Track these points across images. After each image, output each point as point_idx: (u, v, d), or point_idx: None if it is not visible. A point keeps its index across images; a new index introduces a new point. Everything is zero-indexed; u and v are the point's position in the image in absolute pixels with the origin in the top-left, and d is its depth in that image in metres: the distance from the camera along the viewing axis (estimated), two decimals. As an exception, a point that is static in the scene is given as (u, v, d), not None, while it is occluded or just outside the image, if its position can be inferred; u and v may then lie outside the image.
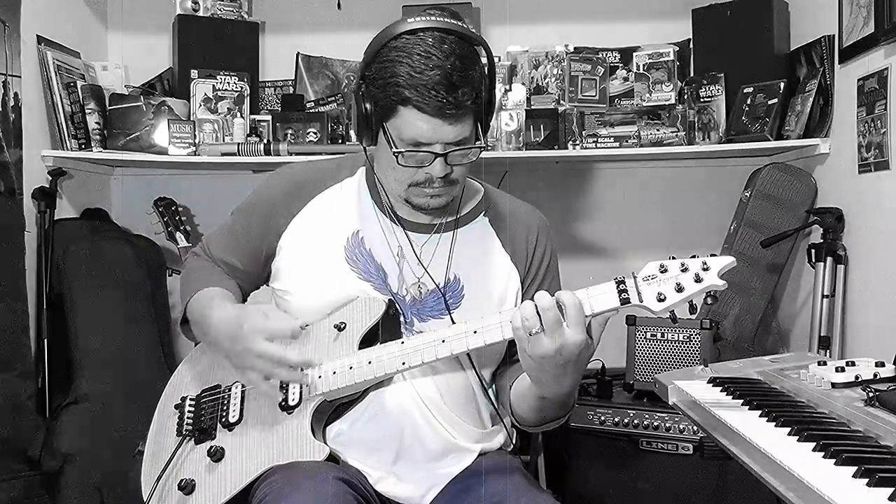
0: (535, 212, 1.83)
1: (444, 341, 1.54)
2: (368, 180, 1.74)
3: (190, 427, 1.69)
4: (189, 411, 1.71)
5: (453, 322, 1.62)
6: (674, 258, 1.44)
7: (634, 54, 3.07)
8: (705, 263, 1.42)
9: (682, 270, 1.42)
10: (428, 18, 1.55)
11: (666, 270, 1.43)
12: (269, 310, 1.64)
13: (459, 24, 1.57)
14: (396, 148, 1.56)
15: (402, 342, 1.58)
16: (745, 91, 2.87)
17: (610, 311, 1.45)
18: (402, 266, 1.68)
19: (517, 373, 1.67)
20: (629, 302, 1.44)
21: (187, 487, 1.61)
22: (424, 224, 1.71)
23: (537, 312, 1.41)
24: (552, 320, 1.41)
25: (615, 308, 1.45)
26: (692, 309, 1.44)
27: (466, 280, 1.69)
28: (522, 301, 1.70)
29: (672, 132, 2.93)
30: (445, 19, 1.57)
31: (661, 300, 1.42)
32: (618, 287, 1.44)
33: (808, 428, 1.23)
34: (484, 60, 1.59)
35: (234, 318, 1.60)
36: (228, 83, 3.01)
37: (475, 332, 1.52)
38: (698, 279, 1.41)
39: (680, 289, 1.42)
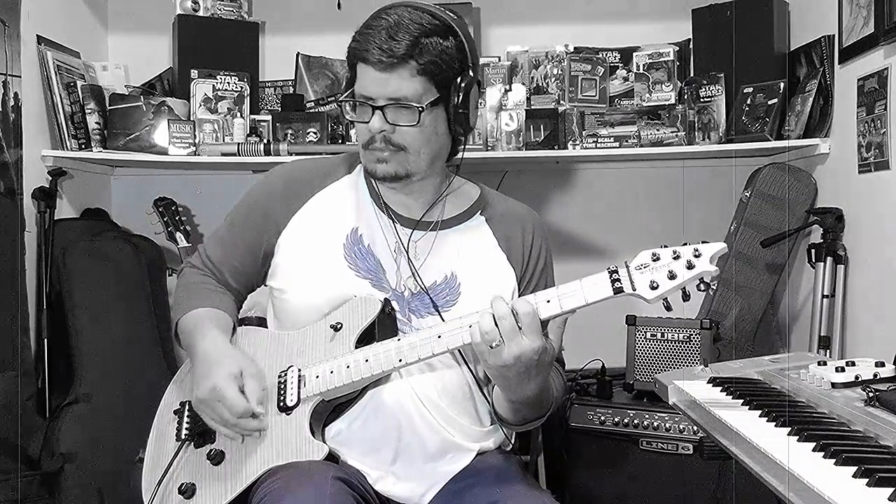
0: (531, 212, 1.84)
1: (439, 337, 1.54)
2: (366, 176, 1.75)
3: (189, 431, 1.68)
4: (188, 416, 1.71)
5: (443, 319, 1.63)
6: (665, 246, 1.45)
7: (634, 54, 3.07)
8: (697, 250, 1.44)
9: (675, 258, 1.44)
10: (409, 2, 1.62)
11: (658, 258, 1.44)
12: (247, 369, 1.62)
13: (439, 7, 1.62)
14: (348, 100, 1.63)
15: (398, 339, 1.58)
16: (745, 91, 2.87)
17: (603, 300, 1.46)
18: (399, 262, 1.69)
19: None
20: (622, 291, 1.45)
21: (188, 491, 1.61)
22: (421, 221, 1.72)
23: (495, 323, 1.43)
24: (508, 329, 1.43)
25: (608, 297, 1.46)
26: (685, 296, 1.46)
27: (463, 277, 1.70)
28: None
29: (672, 132, 2.93)
30: (428, 4, 1.62)
31: (653, 288, 1.44)
32: (611, 276, 1.46)
33: (808, 428, 1.23)
34: (457, 45, 1.61)
35: (206, 367, 1.61)
36: (228, 83, 3.01)
37: (470, 326, 1.52)
38: (690, 266, 1.43)
39: (672, 276, 1.43)
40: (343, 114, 1.67)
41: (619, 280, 1.45)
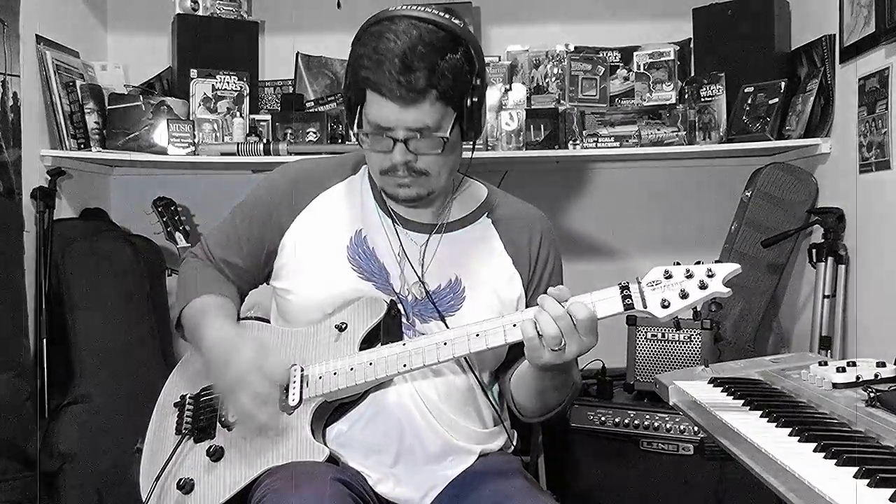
0: (540, 215, 1.81)
1: (445, 343, 1.53)
2: (371, 178, 1.73)
3: (189, 426, 1.68)
4: (188, 410, 1.71)
5: (447, 327, 1.61)
6: (678, 264, 1.44)
7: (635, 54, 3.07)
8: (710, 270, 1.42)
9: (687, 277, 1.42)
10: (409, 7, 1.55)
11: (671, 276, 1.42)
12: (267, 339, 1.62)
13: (442, 14, 1.56)
14: (363, 130, 1.57)
15: (404, 344, 1.57)
16: (745, 91, 2.86)
17: (613, 315, 1.45)
18: (403, 266, 1.68)
19: (516, 366, 1.68)
20: (633, 308, 1.44)
21: (186, 486, 1.60)
22: (425, 224, 1.71)
23: (558, 328, 1.42)
24: (568, 328, 1.42)
25: (618, 314, 1.45)
26: (696, 316, 1.45)
27: (468, 281, 1.68)
28: (527, 305, 1.70)
29: (672, 132, 2.93)
30: (428, 10, 1.56)
31: (665, 306, 1.42)
32: (622, 293, 1.44)
33: (809, 428, 1.22)
34: (466, 54, 1.56)
35: (230, 345, 1.60)
36: (228, 83, 3.00)
37: (477, 334, 1.51)
38: (703, 286, 1.41)
39: (684, 295, 1.42)
40: (359, 143, 1.60)
41: (629, 297, 1.43)
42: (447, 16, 1.57)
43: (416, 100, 1.51)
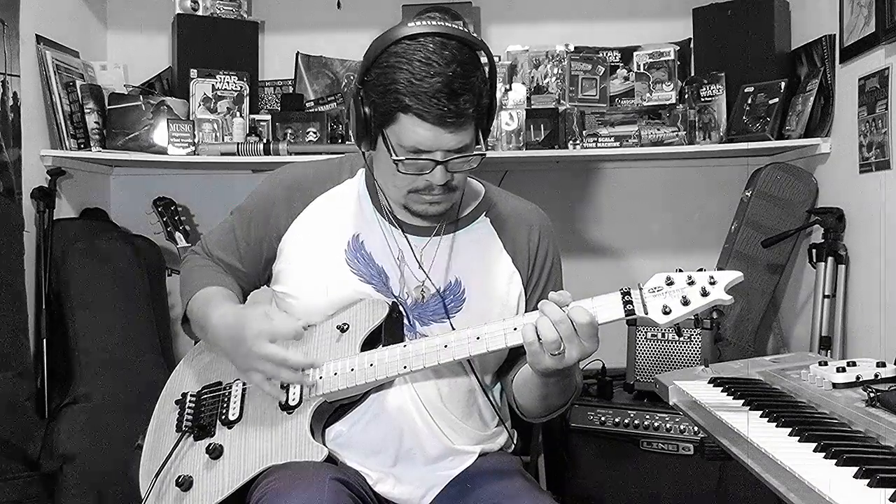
0: (538, 211, 1.81)
1: (446, 346, 1.53)
2: (368, 182, 1.73)
3: (189, 423, 1.68)
4: (189, 408, 1.71)
5: (453, 328, 1.61)
6: (680, 270, 1.43)
7: (635, 54, 3.07)
8: (712, 277, 1.41)
9: (689, 284, 1.42)
10: (429, 24, 1.54)
11: (672, 283, 1.42)
12: (271, 311, 1.63)
13: (461, 28, 1.56)
14: (396, 155, 1.54)
15: (405, 345, 1.57)
16: (745, 91, 2.86)
17: (614, 321, 1.45)
18: (402, 269, 1.67)
19: (519, 367, 1.68)
20: (634, 314, 1.44)
21: (185, 484, 1.60)
22: (424, 227, 1.70)
23: (557, 333, 1.41)
24: (568, 333, 1.42)
25: (619, 319, 1.45)
26: (697, 322, 1.45)
27: (468, 283, 1.68)
28: (527, 303, 1.71)
29: (673, 132, 2.93)
30: (447, 24, 1.56)
31: (666, 313, 1.42)
32: (623, 298, 1.44)
33: (809, 428, 1.22)
34: (485, 65, 1.57)
35: (236, 320, 1.59)
36: (228, 83, 3.00)
37: (478, 338, 1.51)
38: (705, 293, 1.41)
39: (686, 302, 1.41)
40: (398, 170, 1.56)
41: (631, 303, 1.44)
42: (462, 27, 1.57)
43: (462, 124, 1.51)
